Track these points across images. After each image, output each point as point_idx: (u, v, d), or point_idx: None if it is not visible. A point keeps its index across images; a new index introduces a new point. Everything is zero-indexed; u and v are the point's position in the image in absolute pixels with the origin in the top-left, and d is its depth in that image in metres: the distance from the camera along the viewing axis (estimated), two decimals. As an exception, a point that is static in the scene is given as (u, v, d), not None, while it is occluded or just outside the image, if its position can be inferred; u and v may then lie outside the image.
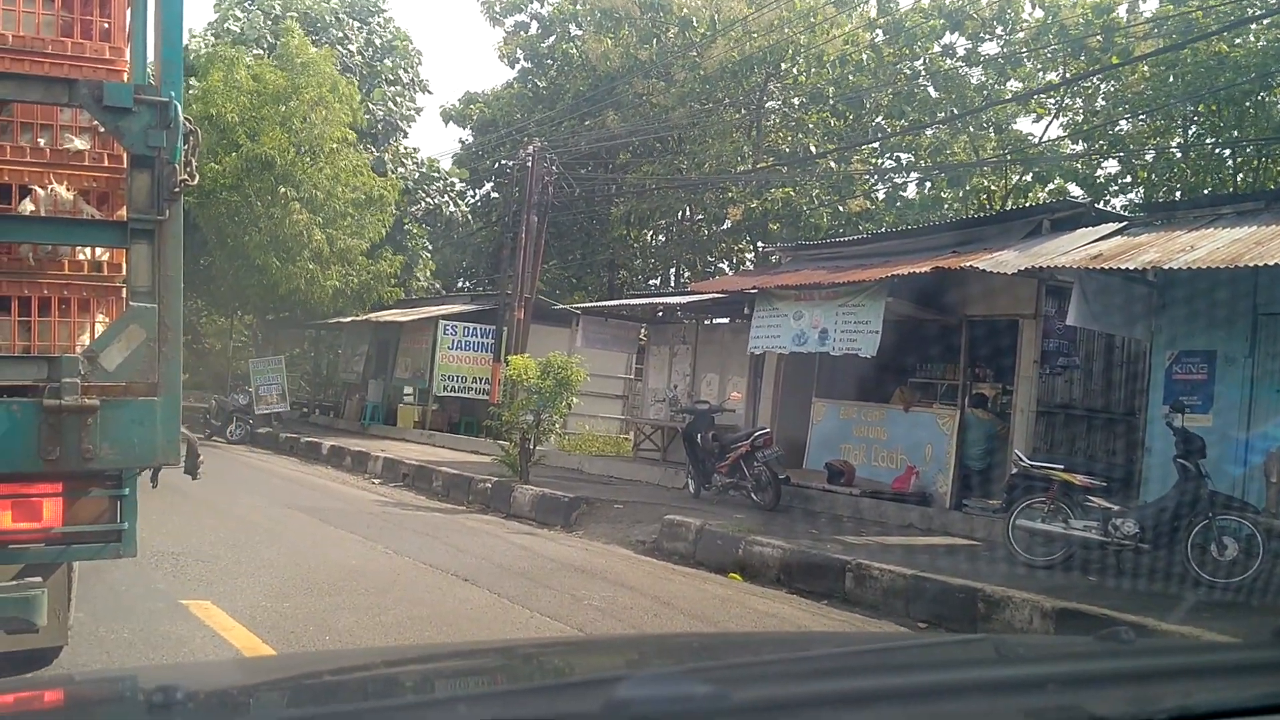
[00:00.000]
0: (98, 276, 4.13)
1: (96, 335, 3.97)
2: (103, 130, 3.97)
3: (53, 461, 3.69)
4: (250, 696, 1.70)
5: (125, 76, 4.10)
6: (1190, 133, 23.65)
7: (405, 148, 33.90)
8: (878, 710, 1.53)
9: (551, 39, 35.08)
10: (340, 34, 31.54)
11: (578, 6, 33.75)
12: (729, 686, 1.56)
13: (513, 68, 36.05)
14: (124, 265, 3.98)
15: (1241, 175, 22.36)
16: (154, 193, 3.79)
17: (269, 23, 29.90)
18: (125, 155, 3.89)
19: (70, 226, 4.02)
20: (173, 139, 3.77)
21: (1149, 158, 23.88)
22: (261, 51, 27.79)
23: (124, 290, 4.00)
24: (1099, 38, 22.53)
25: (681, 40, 29.07)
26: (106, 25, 4.12)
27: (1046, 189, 25.13)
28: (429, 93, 45.71)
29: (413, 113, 34.81)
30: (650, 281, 34.87)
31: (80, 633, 5.29)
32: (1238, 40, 20.80)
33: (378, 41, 34.13)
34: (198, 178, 4.00)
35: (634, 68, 29.30)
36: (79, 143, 4.11)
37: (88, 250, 4.13)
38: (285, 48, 25.53)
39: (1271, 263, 8.46)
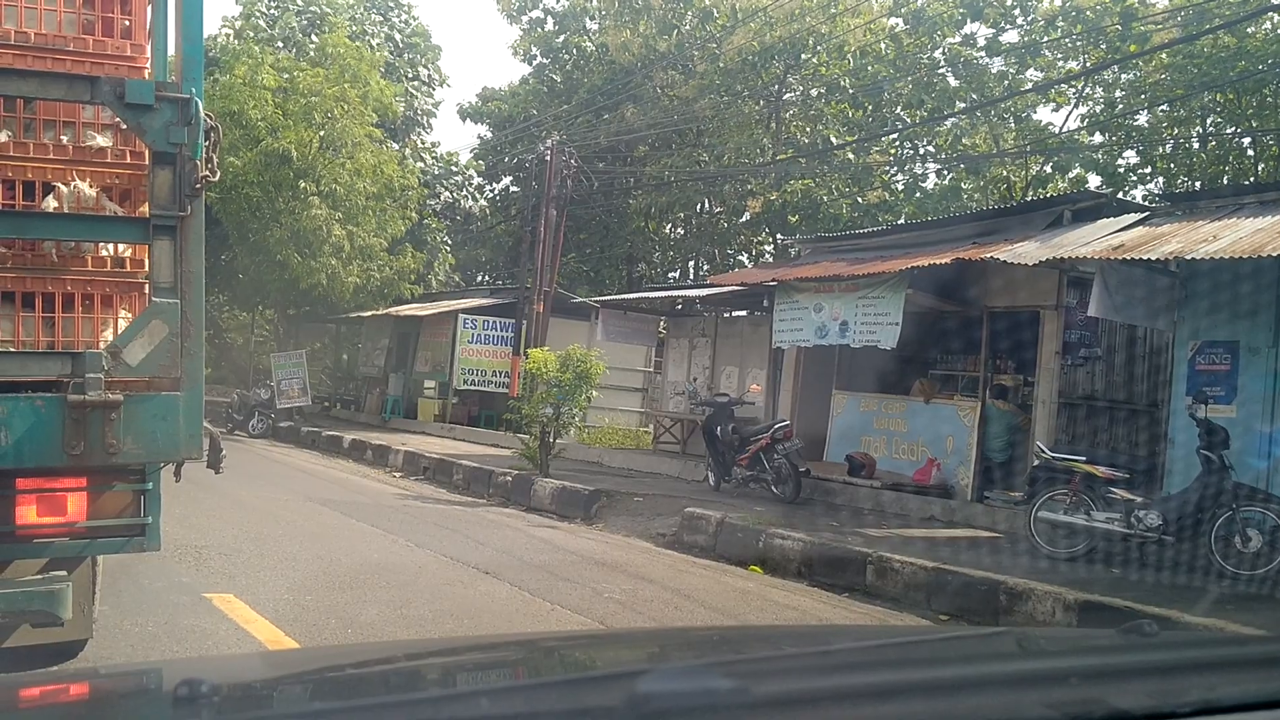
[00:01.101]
0: (120, 272, 4.16)
1: (119, 331, 4.00)
2: (125, 127, 4.00)
3: (77, 456, 3.72)
4: (274, 690, 1.71)
5: (146, 73, 4.13)
6: (1209, 122, 23.45)
7: (424, 142, 33.98)
8: (899, 704, 1.52)
9: (566, 35, 35.07)
10: (360, 29, 31.62)
11: (593, 2, 33.74)
12: (750, 681, 1.56)
13: (529, 64, 36.10)
14: (146, 261, 4.00)
15: (1263, 165, 22.15)
16: (176, 189, 3.81)
17: (300, 20, 29.98)
18: (147, 152, 3.91)
19: (93, 223, 4.05)
20: (194, 135, 3.79)
21: (1168, 148, 23.67)
22: (286, 48, 27.85)
23: (146, 286, 4.03)
24: (1118, 26, 22.34)
25: (701, 32, 29.01)
26: (128, 23, 4.15)
27: (1066, 178, 24.95)
28: (448, 86, 45.72)
29: (432, 108, 34.88)
30: (669, 274, 34.85)
31: (105, 626, 5.34)
32: (1250, 29, 20.56)
33: (398, 37, 34.19)
34: (219, 174, 4.02)
35: (653, 59, 29.27)
36: (101, 140, 4.14)
37: (110, 246, 4.16)
38: (324, 43, 25.69)
39: (1296, 252, 8.39)
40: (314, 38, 27.70)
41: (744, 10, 27.56)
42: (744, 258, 32.42)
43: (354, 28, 31.18)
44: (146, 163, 3.94)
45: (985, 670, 1.81)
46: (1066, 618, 7.14)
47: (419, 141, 33.42)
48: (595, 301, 21.00)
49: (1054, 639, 3.31)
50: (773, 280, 14.25)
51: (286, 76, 24.38)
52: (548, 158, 23.48)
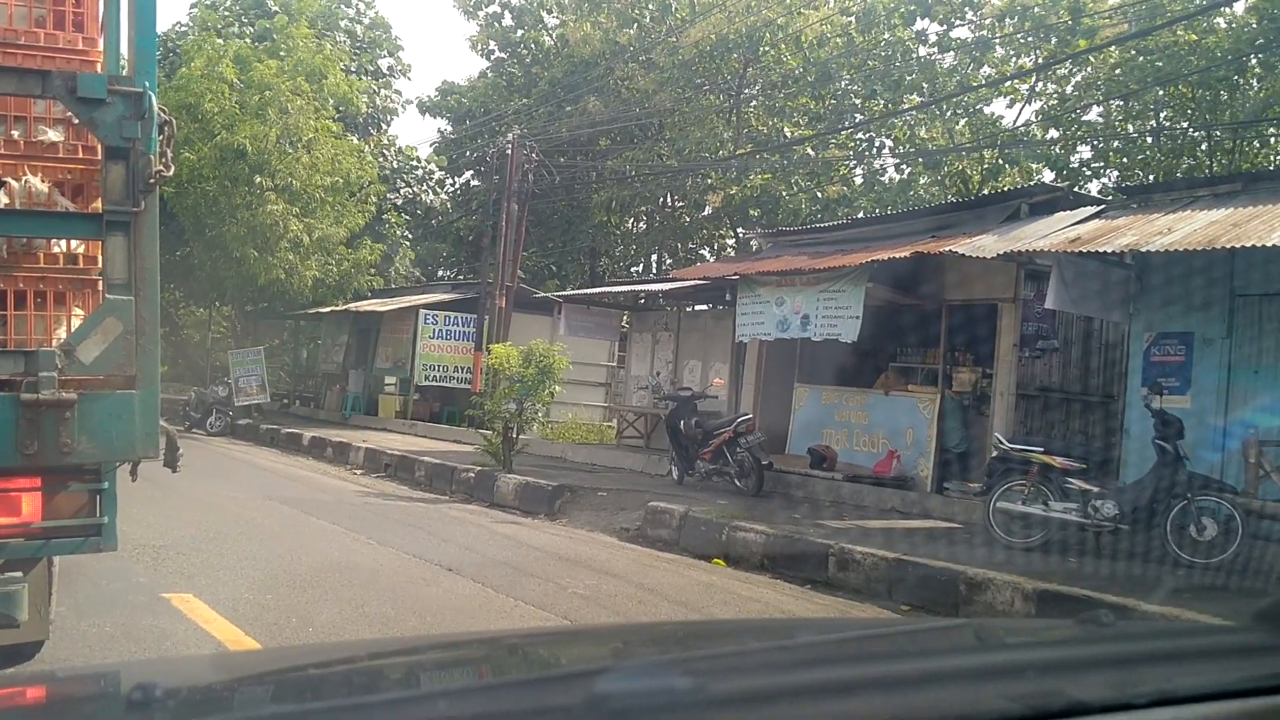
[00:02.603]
0: (73, 269, 4.11)
1: (73, 328, 3.94)
2: (77, 122, 3.94)
3: (31, 456, 3.66)
4: (232, 692, 1.69)
5: (99, 67, 4.07)
6: (1163, 117, 23.70)
7: (386, 138, 33.77)
8: (859, 700, 1.53)
9: (524, 30, 34.95)
10: (325, 25, 31.36)
11: (552, -5, 33.70)
12: (709, 678, 1.56)
13: (487, 59, 35.93)
14: (100, 257, 3.95)
15: (1216, 158, 22.41)
16: (129, 184, 3.76)
17: (255, 15, 29.72)
18: (100, 147, 3.86)
19: (45, 219, 3.99)
20: (147, 130, 3.74)
21: (1122, 142, 23.88)
22: (247, 39, 27.58)
23: (100, 283, 3.98)
24: (1067, 21, 22.52)
25: (662, 25, 28.99)
26: (79, 15, 4.08)
27: (1017, 169, 25.06)
28: (409, 78, 45.59)
29: (396, 106, 34.71)
30: (632, 269, 34.84)
31: (62, 627, 5.26)
32: (1204, 25, 20.77)
33: (358, 30, 33.93)
34: (173, 168, 3.97)
35: (614, 52, 29.23)
36: (53, 134, 4.08)
37: (63, 243, 4.11)
38: (283, 35, 25.50)
39: (1248, 245, 8.53)
40: (273, 29, 27.41)
41: (702, 4, 27.56)
42: (706, 252, 32.49)
43: (319, 24, 30.95)
44: (99, 158, 3.89)
45: (945, 664, 1.82)
46: (1025, 607, 7.22)
47: (382, 138, 33.21)
48: (558, 296, 20.96)
49: (1013, 630, 3.34)
50: (735, 274, 14.29)
51: (244, 69, 24.13)
52: (509, 152, 23.40)
